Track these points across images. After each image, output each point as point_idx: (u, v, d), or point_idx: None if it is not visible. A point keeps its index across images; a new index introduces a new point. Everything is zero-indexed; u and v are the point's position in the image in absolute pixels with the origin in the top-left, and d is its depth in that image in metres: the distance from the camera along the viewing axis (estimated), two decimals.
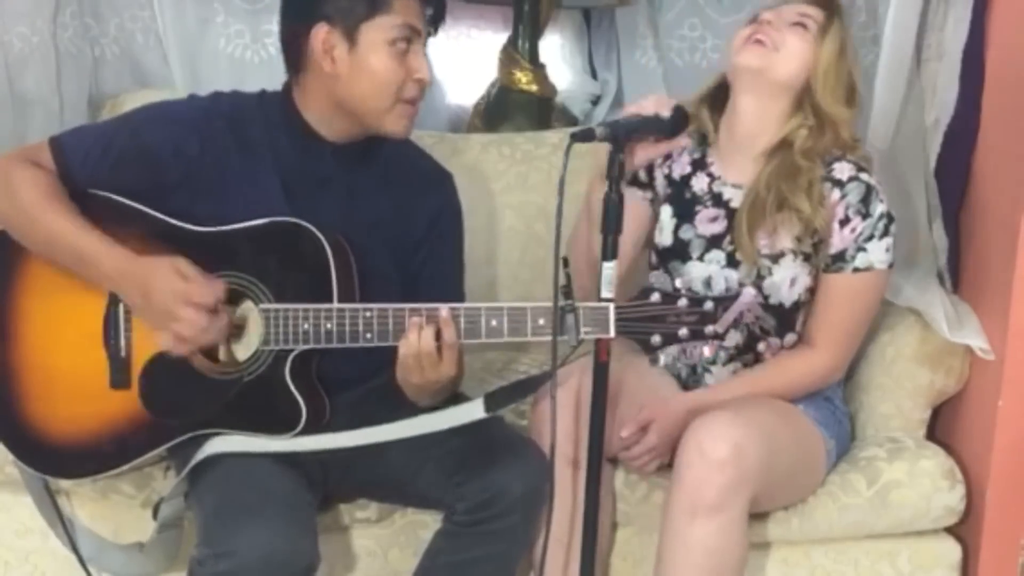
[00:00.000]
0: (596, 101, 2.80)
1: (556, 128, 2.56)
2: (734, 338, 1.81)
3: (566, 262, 1.48)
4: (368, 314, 1.56)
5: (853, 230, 1.76)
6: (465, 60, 2.79)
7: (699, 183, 1.88)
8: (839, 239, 1.77)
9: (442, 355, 1.55)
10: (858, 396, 2.04)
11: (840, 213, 1.77)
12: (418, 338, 1.54)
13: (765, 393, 1.81)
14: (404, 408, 1.71)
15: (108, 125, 1.75)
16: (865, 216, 1.76)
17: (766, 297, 1.81)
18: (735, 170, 1.85)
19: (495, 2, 2.66)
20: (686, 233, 1.86)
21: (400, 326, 1.56)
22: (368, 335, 1.56)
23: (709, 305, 1.48)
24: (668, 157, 1.91)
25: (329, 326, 1.57)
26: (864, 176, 1.78)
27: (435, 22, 1.70)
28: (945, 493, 1.91)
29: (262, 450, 1.64)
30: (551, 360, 1.51)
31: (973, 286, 2.05)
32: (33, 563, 1.92)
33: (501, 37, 2.65)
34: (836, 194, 1.77)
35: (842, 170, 1.79)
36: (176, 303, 1.55)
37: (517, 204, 2.36)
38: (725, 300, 1.49)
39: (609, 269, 1.49)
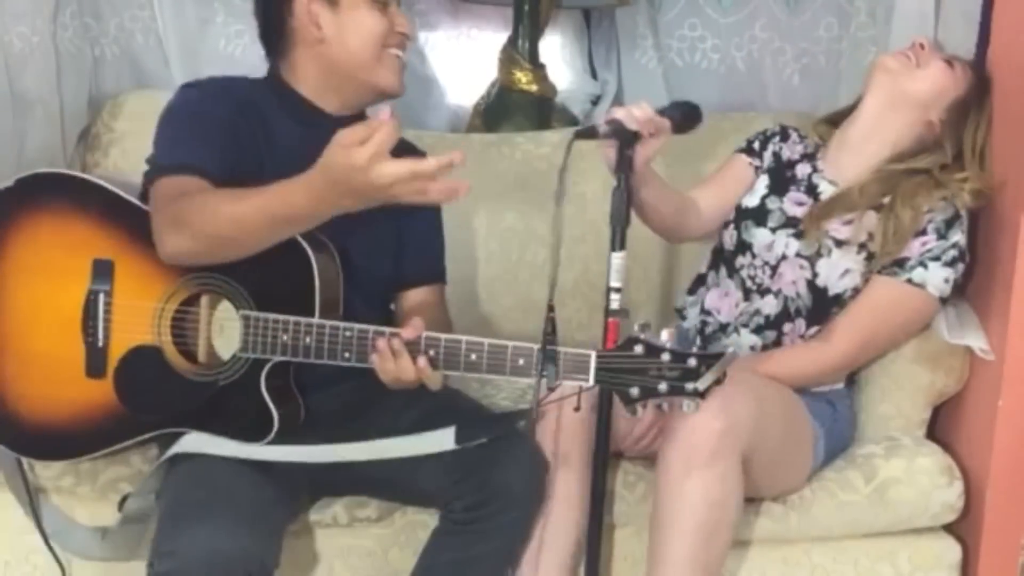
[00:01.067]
0: (596, 101, 2.80)
1: (556, 128, 2.56)
2: (770, 307, 1.88)
3: (551, 308, 1.48)
4: (348, 334, 1.56)
5: (924, 244, 1.80)
6: (465, 60, 2.80)
7: (802, 170, 1.97)
8: (907, 248, 1.80)
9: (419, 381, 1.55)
10: (858, 396, 2.03)
11: (921, 224, 1.80)
12: (396, 368, 1.54)
13: (767, 376, 1.81)
14: (378, 410, 1.71)
15: (163, 126, 1.71)
16: (941, 237, 1.80)
17: (815, 275, 1.85)
18: (836, 169, 1.93)
19: (495, 2, 2.66)
20: (772, 204, 1.94)
21: None
22: (347, 354, 1.57)
23: (692, 362, 1.46)
24: (785, 138, 2.02)
25: (308, 340, 1.57)
26: (957, 202, 1.84)
27: None
28: (943, 490, 1.91)
29: (233, 455, 1.63)
30: (533, 396, 1.53)
31: (973, 286, 2.04)
32: (33, 563, 1.92)
33: (501, 37, 2.65)
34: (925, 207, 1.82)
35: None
36: (367, 179, 1.39)
37: (517, 204, 2.36)
38: (709, 358, 1.46)
39: (618, 259, 1.51)
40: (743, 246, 1.92)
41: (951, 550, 1.97)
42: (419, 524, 1.86)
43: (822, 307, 1.87)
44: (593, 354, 1.49)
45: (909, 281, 1.81)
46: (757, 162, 2.01)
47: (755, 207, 1.94)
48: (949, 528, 1.98)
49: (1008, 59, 1.96)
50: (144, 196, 1.65)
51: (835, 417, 1.91)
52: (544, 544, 1.69)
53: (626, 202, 1.51)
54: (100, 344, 1.69)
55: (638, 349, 1.47)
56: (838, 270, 1.84)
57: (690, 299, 2.03)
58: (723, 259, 1.97)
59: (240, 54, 2.58)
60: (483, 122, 2.63)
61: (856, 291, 1.86)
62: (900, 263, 1.81)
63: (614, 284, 1.51)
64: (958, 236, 1.82)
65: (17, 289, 1.70)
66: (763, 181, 1.98)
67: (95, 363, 1.69)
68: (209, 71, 2.52)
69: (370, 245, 1.75)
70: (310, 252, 1.60)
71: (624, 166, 1.51)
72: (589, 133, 1.51)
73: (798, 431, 1.81)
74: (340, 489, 1.83)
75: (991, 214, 1.98)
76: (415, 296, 1.86)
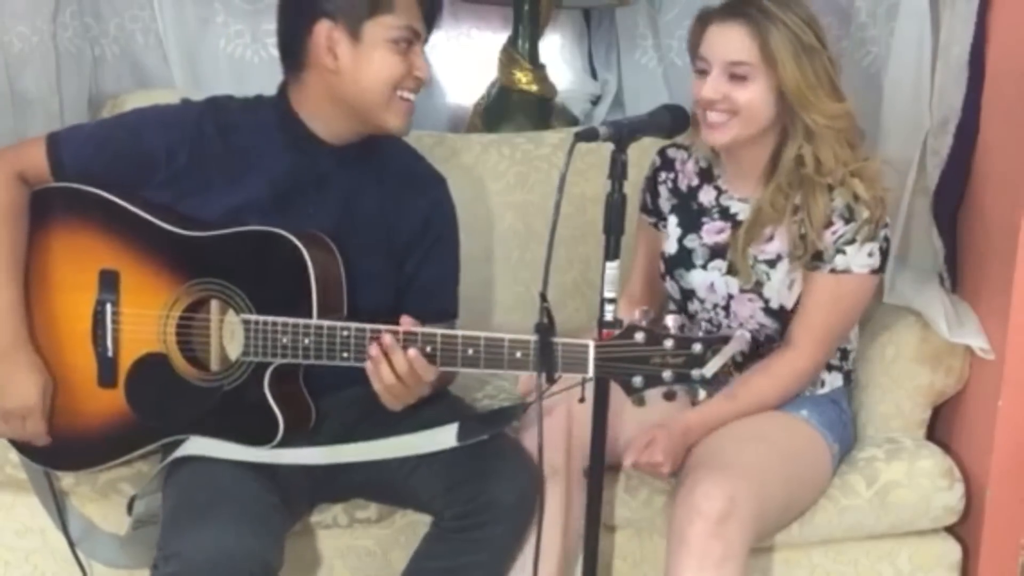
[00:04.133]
0: (596, 101, 2.81)
1: (556, 128, 2.56)
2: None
3: (544, 298, 1.46)
4: (345, 333, 1.56)
5: (834, 232, 1.76)
6: (465, 60, 2.80)
7: (706, 196, 1.90)
8: (820, 240, 1.77)
9: (416, 377, 1.54)
10: (858, 396, 2.03)
11: (827, 216, 1.76)
12: (391, 372, 1.53)
13: (754, 406, 1.81)
14: (386, 413, 1.71)
15: (105, 123, 1.79)
16: (848, 220, 1.75)
17: (767, 301, 1.82)
18: (741, 186, 1.87)
19: (495, 2, 2.66)
20: (691, 243, 1.88)
21: None
22: (344, 354, 1.56)
23: (698, 347, 1.42)
24: (671, 170, 1.94)
25: (307, 341, 1.57)
26: (854, 192, 1.76)
27: (431, 24, 1.72)
28: (944, 492, 1.91)
29: (237, 458, 1.63)
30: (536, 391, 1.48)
31: (973, 286, 2.05)
32: (33, 563, 1.92)
33: (501, 37, 2.65)
34: (825, 198, 1.77)
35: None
36: (8, 417, 1.65)
37: (517, 204, 2.36)
38: (715, 342, 1.42)
39: (612, 269, 1.47)
40: (686, 293, 1.89)
41: (951, 550, 1.97)
42: (419, 524, 1.86)
43: (789, 322, 1.84)
44: (591, 344, 1.46)
45: (833, 271, 1.77)
46: (656, 219, 1.96)
47: (676, 253, 1.89)
48: (949, 528, 1.98)
49: (1006, 59, 1.96)
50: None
51: (843, 421, 1.91)
52: (553, 556, 1.69)
53: (620, 209, 1.48)
54: (110, 354, 1.69)
55: (639, 337, 1.44)
56: (784, 287, 1.81)
57: None
58: (679, 307, 1.93)
59: (240, 54, 2.57)
60: (483, 122, 2.63)
61: None
62: (818, 256, 1.77)
63: (608, 295, 1.47)
64: (865, 213, 1.75)
65: (30, 303, 1.69)
66: (672, 221, 1.92)
67: (106, 373, 1.69)
68: (209, 71, 2.55)
69: (371, 273, 1.74)
70: (305, 252, 1.60)
71: (618, 171, 1.49)
72: (589, 135, 1.50)
73: (806, 473, 1.81)
74: (340, 495, 1.83)
75: (991, 214, 1.99)
76: None
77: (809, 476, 1.82)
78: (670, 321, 1.44)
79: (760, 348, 1.87)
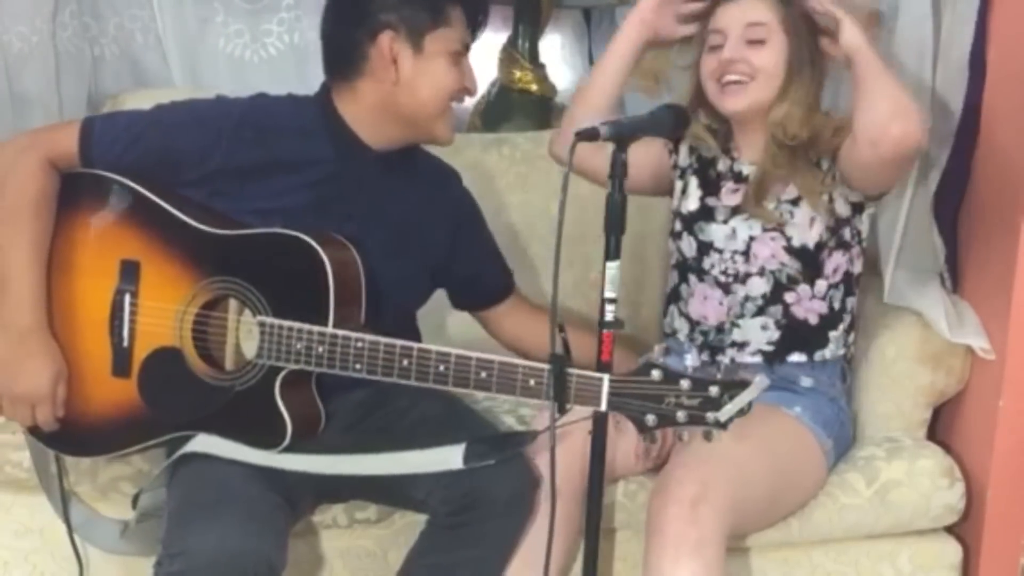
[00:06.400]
0: None
1: (556, 128, 2.56)
2: (760, 287, 1.86)
3: (561, 328, 1.45)
4: (360, 344, 1.56)
5: None
6: None
7: (723, 164, 1.94)
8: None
9: None
10: (858, 396, 2.03)
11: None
12: None
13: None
14: (387, 411, 1.73)
15: (140, 118, 1.74)
16: None
17: (789, 239, 1.84)
18: (749, 149, 1.90)
19: (495, 2, 2.65)
20: (712, 202, 1.92)
21: (390, 361, 1.55)
22: (358, 365, 1.56)
23: (714, 390, 1.41)
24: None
25: (321, 350, 1.57)
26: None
27: (476, 33, 1.78)
28: (944, 491, 1.91)
29: (242, 459, 1.63)
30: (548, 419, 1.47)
31: (973, 286, 2.05)
32: (32, 563, 1.92)
33: (501, 37, 2.65)
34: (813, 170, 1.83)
35: None
36: (17, 402, 1.64)
37: (517, 204, 2.36)
38: (733, 386, 1.40)
39: (612, 269, 1.47)
40: (705, 247, 1.90)
41: (952, 551, 1.97)
42: (418, 525, 1.85)
43: (812, 262, 1.85)
44: (606, 378, 1.45)
45: None
46: (670, 145, 1.99)
47: (698, 209, 1.92)
48: (950, 528, 1.98)
49: (1007, 60, 1.96)
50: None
51: (841, 419, 1.90)
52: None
53: (620, 209, 1.48)
54: (125, 344, 1.69)
55: (655, 374, 1.43)
56: (805, 223, 1.82)
57: (667, 320, 2.00)
58: (688, 268, 1.94)
59: (240, 54, 2.57)
60: (483, 122, 2.64)
61: (831, 230, 1.83)
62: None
63: (609, 295, 1.46)
64: None
65: (51, 286, 1.69)
66: (694, 182, 1.95)
67: (120, 363, 1.70)
68: (208, 71, 2.55)
69: (399, 275, 1.76)
70: (326, 261, 1.59)
71: (619, 171, 1.49)
72: (590, 134, 1.50)
73: (794, 470, 1.81)
74: (341, 496, 1.83)
75: (991, 214, 1.98)
76: (501, 311, 1.97)
77: (796, 472, 1.82)
78: (688, 360, 1.45)
79: (783, 291, 1.86)
